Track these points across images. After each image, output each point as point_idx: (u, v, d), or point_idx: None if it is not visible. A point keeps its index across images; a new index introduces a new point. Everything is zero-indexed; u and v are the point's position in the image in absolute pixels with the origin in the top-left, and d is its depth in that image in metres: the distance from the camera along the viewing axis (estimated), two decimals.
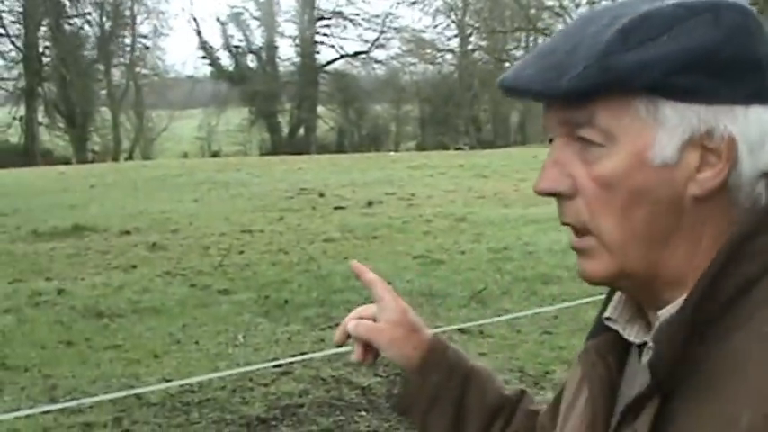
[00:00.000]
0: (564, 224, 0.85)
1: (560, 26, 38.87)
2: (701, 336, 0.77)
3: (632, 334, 0.86)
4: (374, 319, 1.16)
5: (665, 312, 0.81)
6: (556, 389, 1.12)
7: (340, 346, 1.18)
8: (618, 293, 0.89)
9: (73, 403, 4.75)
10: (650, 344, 0.81)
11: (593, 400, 0.87)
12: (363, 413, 4.71)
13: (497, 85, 0.86)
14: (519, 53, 41.38)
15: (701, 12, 0.78)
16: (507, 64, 40.68)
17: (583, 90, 0.78)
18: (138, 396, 4.93)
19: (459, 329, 5.98)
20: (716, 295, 0.77)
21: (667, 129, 0.77)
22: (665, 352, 0.77)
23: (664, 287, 0.82)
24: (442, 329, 5.93)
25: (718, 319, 0.77)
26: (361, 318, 1.16)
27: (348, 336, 1.16)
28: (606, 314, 0.89)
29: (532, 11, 39.10)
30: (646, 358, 0.81)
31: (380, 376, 5.21)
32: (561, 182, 0.83)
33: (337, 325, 4.87)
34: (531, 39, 40.85)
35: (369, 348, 1.15)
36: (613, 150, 0.79)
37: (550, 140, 0.84)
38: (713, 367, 0.75)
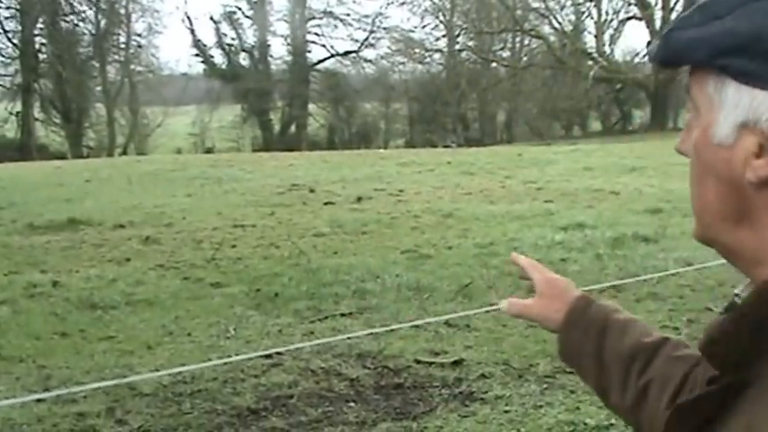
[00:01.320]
0: None
1: (546, 27, 38.16)
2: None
3: None
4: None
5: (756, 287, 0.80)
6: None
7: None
8: None
9: (64, 391, 4.73)
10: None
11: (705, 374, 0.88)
12: (352, 404, 4.70)
13: None
14: (505, 53, 41.47)
15: None
16: (494, 64, 40.76)
17: (656, 60, 0.82)
18: (130, 387, 4.91)
19: (445, 323, 5.97)
20: None
21: (725, 109, 0.77)
22: (724, 337, 0.77)
23: (751, 264, 0.81)
24: (428, 321, 5.93)
25: None
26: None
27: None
28: (736, 290, 0.88)
29: (519, 12, 39.14)
30: None
31: (368, 368, 5.21)
32: (685, 144, 0.85)
33: (327, 318, 4.90)
34: (518, 39, 40.93)
35: None
36: (698, 122, 0.81)
37: None
38: None
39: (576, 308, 1.23)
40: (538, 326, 4.98)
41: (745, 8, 0.76)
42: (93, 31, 37.45)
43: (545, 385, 4.82)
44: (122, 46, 39.07)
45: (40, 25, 35.82)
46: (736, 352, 0.76)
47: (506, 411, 4.49)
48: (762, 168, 0.75)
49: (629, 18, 39.96)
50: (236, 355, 5.40)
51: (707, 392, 0.78)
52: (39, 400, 4.71)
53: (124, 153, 34.93)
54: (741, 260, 0.81)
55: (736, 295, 0.87)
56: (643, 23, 38.67)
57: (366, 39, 40.62)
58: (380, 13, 41.49)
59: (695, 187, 0.82)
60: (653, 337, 1.19)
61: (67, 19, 36.65)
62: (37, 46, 35.95)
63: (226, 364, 5.23)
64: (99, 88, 37.98)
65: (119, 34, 38.89)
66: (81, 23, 37.29)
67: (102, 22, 37.66)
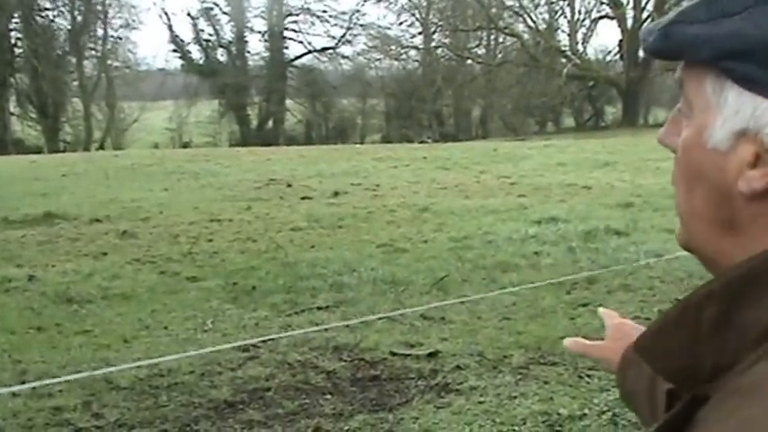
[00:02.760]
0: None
1: (520, 25, 38.30)
2: (743, 349, 0.70)
3: None
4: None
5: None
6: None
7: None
8: None
9: (36, 384, 4.67)
10: None
11: None
12: (328, 396, 4.68)
13: None
14: (480, 51, 41.59)
15: None
16: (469, 61, 40.84)
17: (653, 52, 0.75)
18: (107, 380, 4.86)
19: (421, 315, 5.97)
20: (750, 314, 0.70)
21: (723, 114, 0.71)
22: (655, 333, 0.74)
23: None
24: (403, 312, 5.92)
25: (761, 342, 0.69)
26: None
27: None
28: None
29: (493, 10, 39.23)
30: None
31: (345, 360, 5.19)
32: (671, 138, 0.79)
33: (303, 311, 4.86)
34: (493, 37, 41.04)
35: None
36: (691, 121, 0.75)
37: None
38: (740, 387, 0.69)
39: (627, 357, 1.15)
40: (514, 319, 4.97)
41: (759, 10, 0.69)
42: (70, 27, 37.07)
43: (519, 376, 4.83)
44: (99, 41, 38.72)
45: (15, 20, 35.41)
46: (667, 352, 0.74)
47: (481, 402, 4.49)
48: (756, 180, 0.70)
49: (602, 17, 40.23)
50: (214, 348, 5.36)
51: (671, 416, 0.74)
52: (14, 395, 4.65)
53: (101, 148, 34.57)
54: (722, 270, 0.76)
55: None
56: (615, 22, 38.91)
57: (343, 35, 40.58)
58: (357, 10, 41.38)
59: (683, 190, 0.77)
60: None
61: (43, 14, 36.27)
62: (12, 41, 35.53)
63: (203, 357, 5.19)
64: (76, 83, 37.60)
65: (95, 29, 38.53)
66: (58, 18, 36.93)
67: (79, 18, 37.28)
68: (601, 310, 1.35)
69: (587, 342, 1.27)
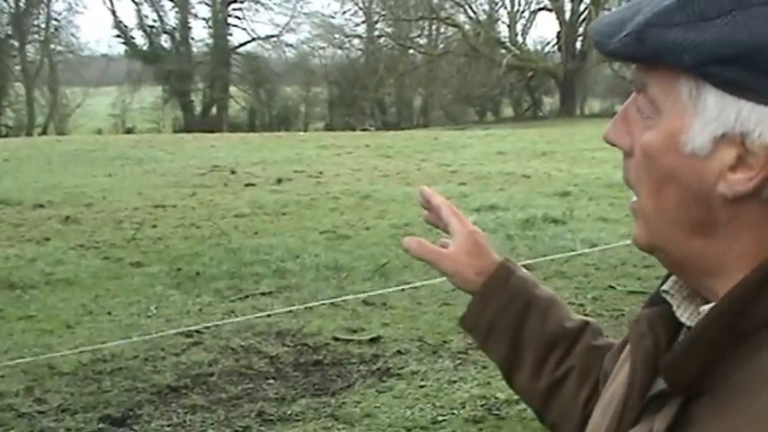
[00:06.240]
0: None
1: (461, 16, 38.36)
2: (732, 345, 0.69)
3: (685, 314, 0.78)
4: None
5: (707, 309, 0.72)
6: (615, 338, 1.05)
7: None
8: None
9: None
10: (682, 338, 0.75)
11: (633, 373, 0.79)
12: (271, 381, 4.67)
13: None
14: (422, 41, 41.68)
15: None
16: (411, 51, 40.91)
17: (621, 56, 0.72)
18: (50, 366, 4.76)
19: (363, 301, 5.99)
20: (751, 313, 0.69)
21: (703, 119, 0.68)
22: (682, 360, 0.71)
23: (699, 274, 0.75)
24: (346, 299, 5.93)
25: (754, 335, 0.69)
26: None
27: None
28: (664, 287, 0.80)
29: (435, 1, 39.30)
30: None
31: (288, 345, 5.18)
32: (621, 137, 0.76)
33: (247, 297, 4.82)
34: (434, 27, 41.13)
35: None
36: (658, 123, 0.72)
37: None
38: (740, 382, 0.69)
39: (499, 275, 1.09)
40: (454, 304, 4.98)
41: (743, 13, 0.66)
42: (12, 10, 35.97)
43: (458, 361, 4.88)
44: (42, 25, 37.68)
45: None
46: (690, 373, 0.71)
47: (422, 386, 4.53)
48: (739, 184, 0.68)
49: (540, 9, 40.66)
50: (157, 333, 5.30)
51: (672, 419, 0.72)
52: None
53: (44, 133, 33.71)
54: (688, 270, 0.75)
55: (665, 292, 0.81)
56: (553, 15, 39.38)
57: (287, 23, 40.27)
58: None
59: (648, 193, 0.74)
60: (574, 322, 1.11)
61: None
62: None
63: (146, 342, 5.12)
64: (18, 67, 36.55)
65: (38, 13, 37.47)
66: None
67: (22, 1, 36.20)
68: (426, 190, 1.18)
69: (435, 248, 1.11)
